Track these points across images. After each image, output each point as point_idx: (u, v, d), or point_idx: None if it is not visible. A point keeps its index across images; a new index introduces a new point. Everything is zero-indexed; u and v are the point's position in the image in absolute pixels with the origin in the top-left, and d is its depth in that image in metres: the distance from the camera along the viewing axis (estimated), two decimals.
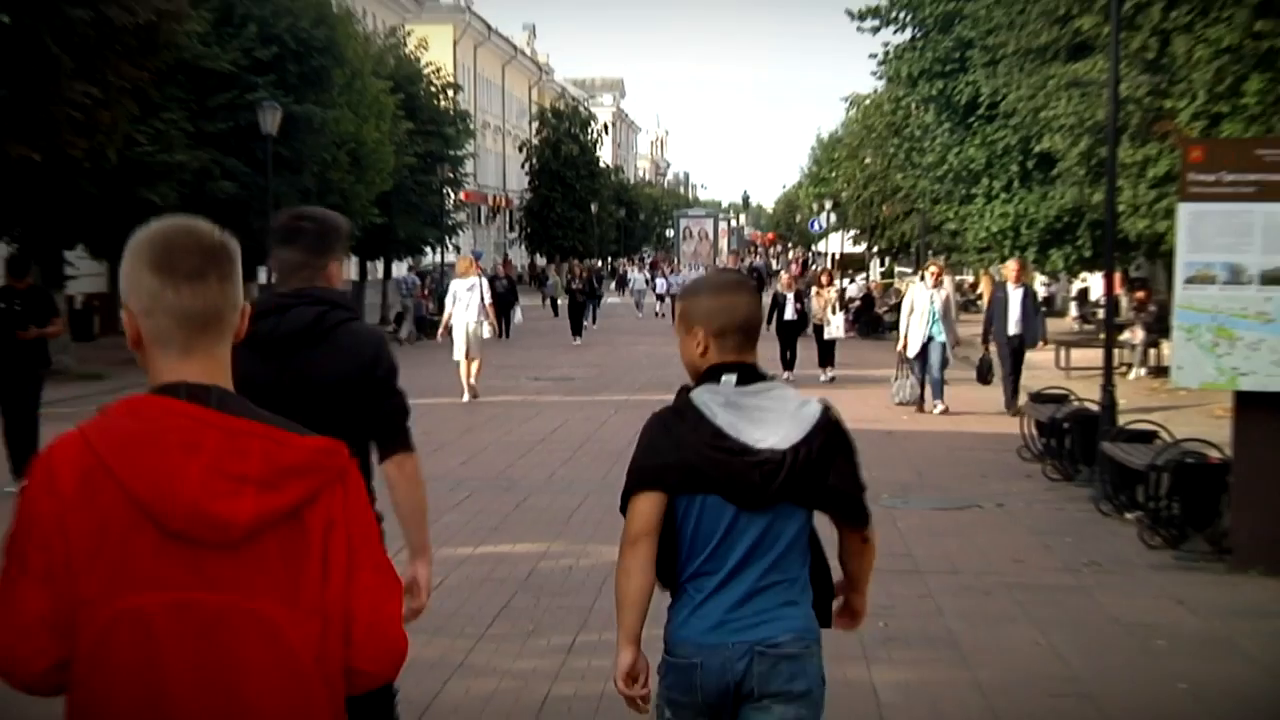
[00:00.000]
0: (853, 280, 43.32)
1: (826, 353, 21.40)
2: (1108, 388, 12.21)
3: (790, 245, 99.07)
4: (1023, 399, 15.41)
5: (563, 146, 66.77)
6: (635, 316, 43.35)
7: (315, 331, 3.85)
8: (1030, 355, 17.88)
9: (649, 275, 53.13)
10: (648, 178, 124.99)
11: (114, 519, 2.05)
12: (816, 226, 65.00)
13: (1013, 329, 17.03)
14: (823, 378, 20.77)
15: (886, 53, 28.84)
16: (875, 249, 51.24)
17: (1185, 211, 8.85)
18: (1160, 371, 20.02)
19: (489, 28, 66.59)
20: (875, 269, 53.57)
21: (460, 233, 45.40)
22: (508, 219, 72.82)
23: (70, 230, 21.76)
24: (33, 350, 11.26)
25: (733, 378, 3.21)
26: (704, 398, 3.20)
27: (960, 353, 19.18)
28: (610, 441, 13.71)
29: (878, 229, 47.53)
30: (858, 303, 34.32)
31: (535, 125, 69.64)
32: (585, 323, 32.73)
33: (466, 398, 18.22)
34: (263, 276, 27.28)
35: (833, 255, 59.42)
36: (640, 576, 3.20)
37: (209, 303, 2.16)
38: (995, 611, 7.65)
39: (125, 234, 2.30)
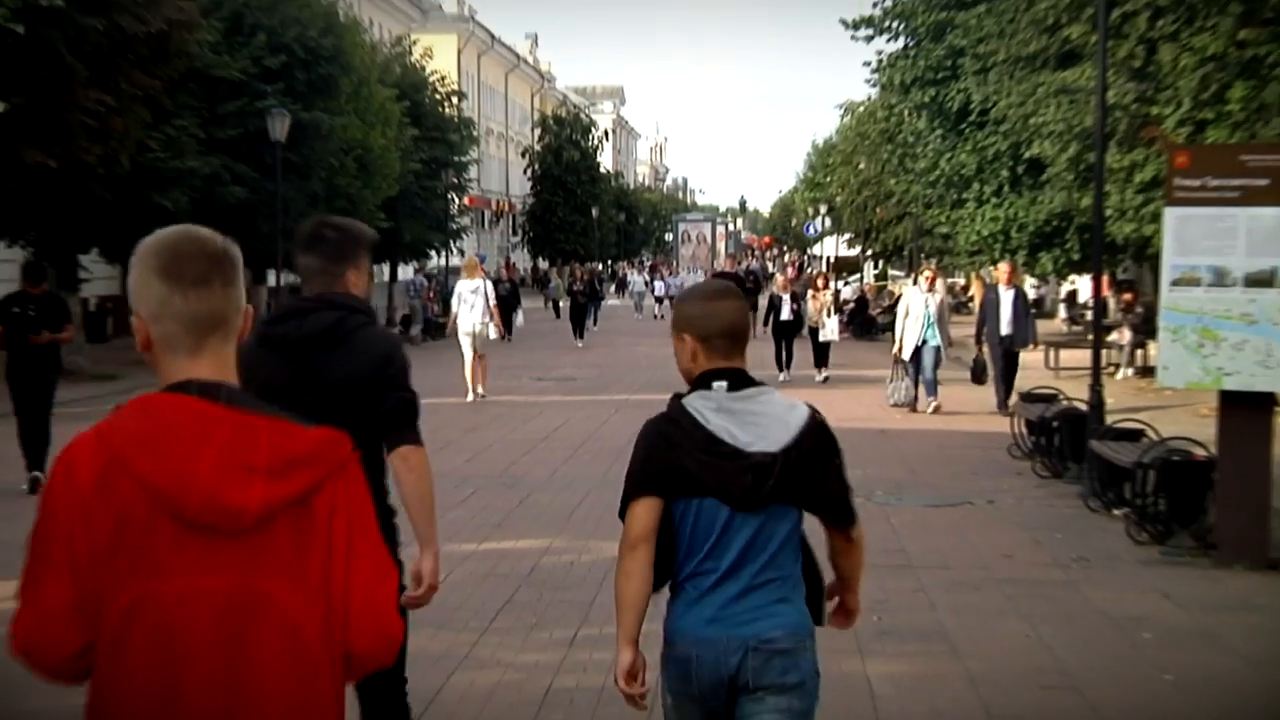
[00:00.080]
0: (847, 283, 43.32)
1: (821, 354, 21.39)
2: (1096, 387, 12.22)
3: (786, 249, 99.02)
4: (1014, 400, 15.41)
5: (564, 152, 66.78)
6: (635, 318, 43.33)
7: (334, 335, 3.89)
8: (1021, 356, 17.87)
9: (648, 278, 53.07)
10: (647, 183, 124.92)
11: (131, 511, 2.11)
12: (812, 230, 65.07)
13: (1005, 330, 17.02)
14: (818, 378, 20.75)
15: (880, 61, 28.81)
16: (869, 252, 51.18)
17: (1171, 215, 8.86)
18: (1147, 371, 20.00)
19: (492, 37, 66.58)
20: (869, 272, 53.51)
21: (464, 237, 45.37)
22: (511, 223, 72.79)
23: (84, 234, 21.75)
24: (45, 354, 11.29)
25: (724, 384, 3.25)
26: (697, 404, 3.25)
27: (953, 354, 19.16)
28: (611, 440, 13.71)
29: (871, 233, 47.50)
30: (852, 305, 34.30)
31: (537, 132, 69.61)
32: (586, 324, 32.71)
33: (470, 397, 18.21)
34: (271, 279, 27.33)
35: (828, 258, 59.50)
36: (639, 579, 3.25)
37: (214, 307, 2.23)
38: (986, 605, 7.66)
39: (138, 238, 2.34)
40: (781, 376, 20.56)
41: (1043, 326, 22.57)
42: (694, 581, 3.25)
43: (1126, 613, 7.48)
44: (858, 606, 3.54)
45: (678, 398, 3.30)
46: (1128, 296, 23.18)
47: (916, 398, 17.22)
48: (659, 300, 44.98)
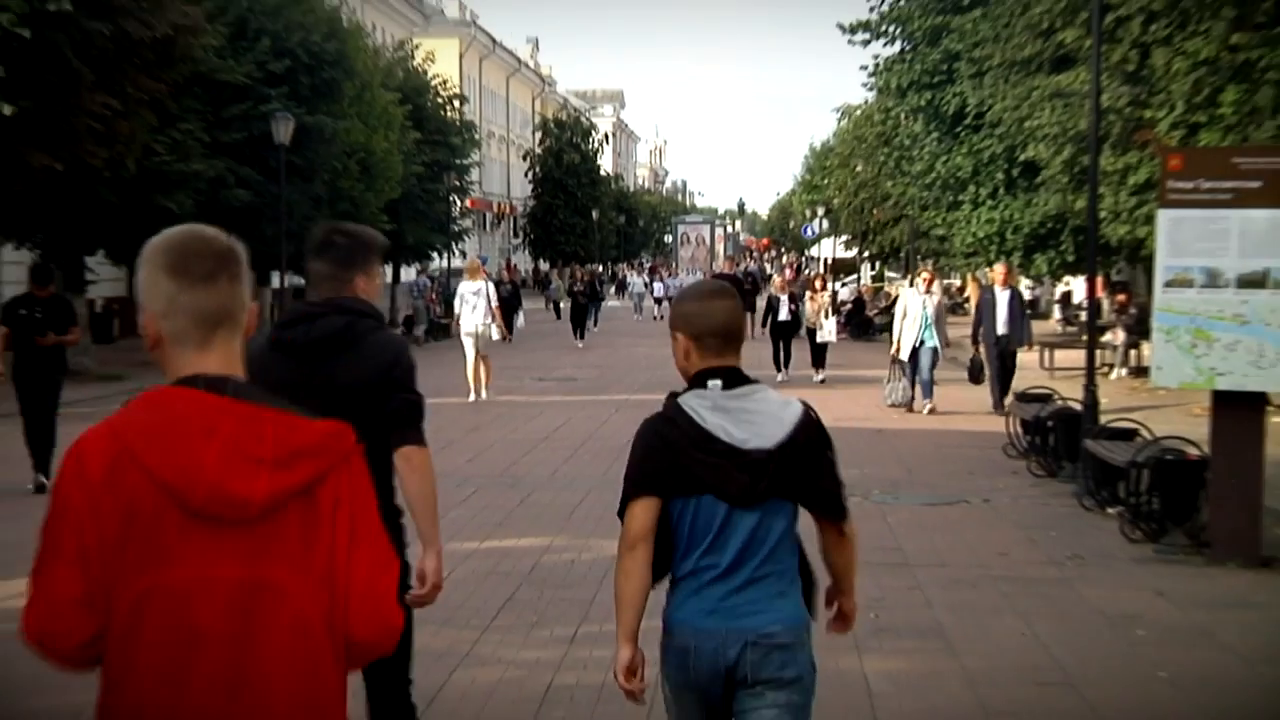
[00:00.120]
0: (844, 284, 43.31)
1: (819, 355, 21.38)
2: (1090, 387, 12.21)
3: (784, 250, 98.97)
4: (1010, 399, 15.41)
5: (565, 155, 66.78)
6: (634, 319, 43.32)
7: (343, 339, 3.91)
8: (1019, 356, 17.86)
9: (648, 280, 53.07)
10: (647, 185, 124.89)
11: (141, 502, 2.14)
12: (809, 232, 64.93)
13: (1000, 330, 17.02)
14: (815, 379, 20.75)
15: (877, 65, 28.82)
16: (866, 254, 51.17)
17: (1164, 217, 8.86)
18: (1141, 372, 20.02)
19: (494, 41, 66.58)
20: (866, 273, 53.51)
21: (466, 239, 45.38)
22: (512, 225, 72.79)
23: (91, 237, 21.75)
24: (51, 355, 11.29)
25: (718, 383, 3.27)
26: (692, 403, 3.26)
27: (950, 354, 19.16)
28: (611, 439, 13.70)
29: (868, 234, 47.48)
30: (849, 306, 34.30)
31: (538, 135, 69.63)
32: (587, 325, 32.71)
33: (472, 397, 18.21)
34: (275, 281, 27.32)
35: (825, 260, 59.43)
36: (638, 578, 3.27)
37: (221, 302, 2.27)
38: (982, 603, 7.65)
39: (144, 240, 2.36)
40: (779, 377, 20.56)
41: (1038, 327, 22.59)
42: (695, 576, 3.27)
43: (1121, 610, 7.47)
44: (854, 609, 3.55)
45: (674, 396, 3.31)
46: (1122, 297, 23.19)
47: (913, 398, 17.22)
48: (658, 301, 44.98)
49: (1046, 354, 22.00)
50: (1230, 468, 8.65)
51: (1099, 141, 13.26)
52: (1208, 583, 8.21)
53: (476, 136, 45.51)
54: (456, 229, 41.31)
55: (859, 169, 46.27)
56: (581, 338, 31.57)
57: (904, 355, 17.21)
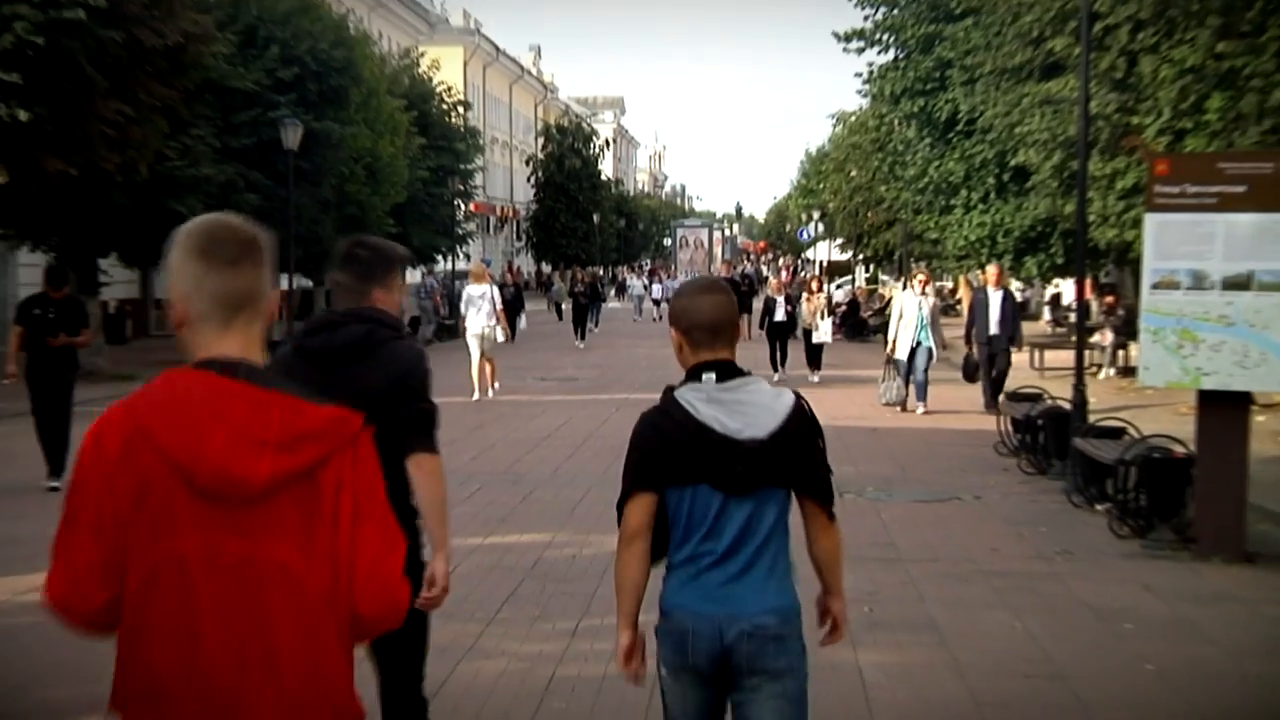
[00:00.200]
0: (839, 286, 43.29)
1: (815, 355, 21.38)
2: (1079, 387, 12.21)
3: (781, 253, 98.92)
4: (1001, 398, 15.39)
5: (566, 160, 66.77)
6: (634, 320, 43.31)
7: (363, 347, 3.99)
8: (1013, 355, 17.85)
9: (647, 282, 53.06)
10: (646, 190, 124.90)
11: (153, 477, 2.22)
12: (805, 235, 64.94)
13: (993, 329, 17.01)
14: (812, 379, 20.75)
15: (871, 72, 28.82)
16: (860, 256, 51.14)
17: (1151, 221, 8.86)
18: (1128, 371, 20.01)
19: (497, 49, 66.58)
20: (860, 275, 53.48)
21: (470, 242, 45.36)
22: (515, 228, 72.78)
23: (104, 240, 21.75)
24: (63, 356, 11.27)
25: (712, 375, 3.31)
26: (688, 395, 3.30)
27: (944, 354, 19.14)
28: (611, 438, 13.70)
29: (863, 238, 47.46)
30: (844, 307, 34.29)
31: (541, 140, 69.59)
32: (588, 326, 32.70)
33: (476, 396, 18.27)
34: (284, 283, 27.33)
35: (821, 263, 59.39)
36: (637, 569, 3.32)
37: (244, 286, 2.34)
38: (973, 597, 7.65)
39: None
40: (776, 377, 20.53)
41: (1027, 328, 22.60)
42: (692, 562, 3.30)
43: (1109, 604, 7.47)
44: (844, 613, 3.53)
45: (670, 390, 3.35)
46: (1110, 299, 23.19)
47: (907, 396, 17.22)
48: (656, 303, 44.96)
49: (1036, 354, 22.00)
50: (1216, 465, 8.66)
51: (1088, 147, 13.27)
52: (1193, 577, 8.22)
53: (480, 142, 45.53)
54: (461, 232, 41.30)
55: (854, 174, 46.25)
56: (582, 338, 31.56)
57: (901, 355, 17.22)
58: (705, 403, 3.27)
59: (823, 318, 21.41)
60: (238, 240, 2.36)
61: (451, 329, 29.89)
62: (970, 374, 17.61)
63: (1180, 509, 9.14)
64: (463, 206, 42.63)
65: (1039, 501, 10.82)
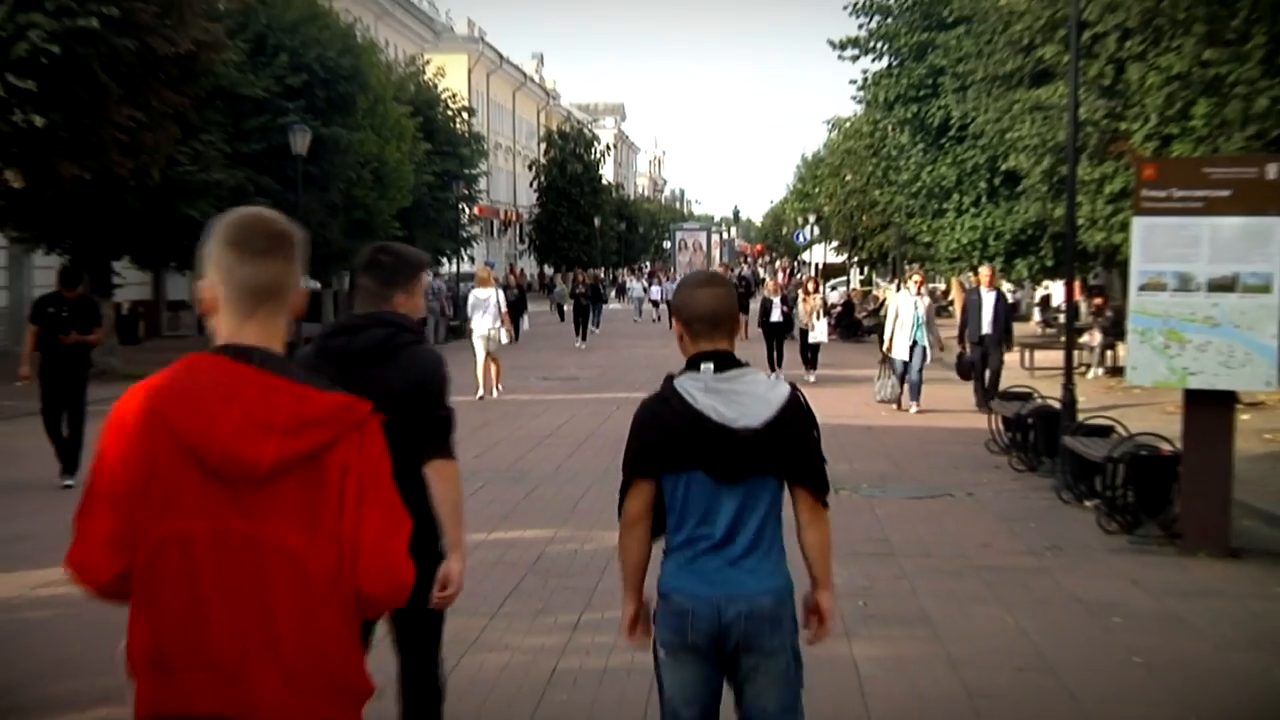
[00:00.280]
0: (834, 288, 43.26)
1: (811, 355, 21.37)
2: (1068, 386, 12.20)
3: (777, 256, 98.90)
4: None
5: (568, 165, 66.75)
6: (634, 321, 43.30)
7: (383, 350, 4.01)
8: (1005, 355, 17.84)
9: (647, 284, 53.03)
10: (646, 194, 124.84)
11: (165, 456, 2.27)
12: (801, 238, 65.02)
13: (985, 329, 17.01)
14: (808, 378, 20.74)
15: (865, 79, 28.79)
16: (855, 259, 51.13)
17: (1139, 225, 8.86)
18: (1116, 371, 20.00)
19: (501, 57, 66.56)
20: (855, 277, 53.47)
21: (474, 245, 45.36)
22: (518, 232, 72.78)
23: (117, 243, 21.73)
24: (75, 354, 11.25)
25: (710, 365, 3.34)
26: (686, 384, 3.34)
27: (938, 354, 19.13)
28: (612, 436, 13.69)
29: (857, 241, 47.43)
30: (839, 309, 34.28)
31: (543, 146, 69.57)
32: (589, 327, 32.69)
33: (480, 394, 18.31)
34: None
35: (816, 265, 59.40)
36: (638, 552, 3.40)
37: (271, 278, 2.38)
38: (965, 592, 7.65)
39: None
40: (772, 376, 20.50)
41: (1018, 329, 22.54)
42: (690, 545, 3.33)
43: (1097, 598, 7.47)
44: (830, 607, 3.50)
45: (670, 379, 3.38)
46: (1098, 301, 23.19)
47: (901, 394, 17.22)
48: (655, 304, 44.94)
49: (1027, 354, 22.00)
50: (1201, 463, 8.66)
51: (1077, 152, 13.26)
52: (1180, 572, 8.21)
53: (484, 147, 45.52)
54: (465, 236, 41.28)
55: (849, 178, 46.24)
56: (584, 339, 31.56)
57: (898, 354, 17.21)
58: (703, 392, 3.30)
59: (819, 318, 21.42)
60: (270, 234, 2.41)
61: (457, 330, 29.85)
62: (965, 371, 17.62)
63: (1167, 505, 9.13)
64: (467, 210, 42.61)
65: (1029, 498, 10.82)
